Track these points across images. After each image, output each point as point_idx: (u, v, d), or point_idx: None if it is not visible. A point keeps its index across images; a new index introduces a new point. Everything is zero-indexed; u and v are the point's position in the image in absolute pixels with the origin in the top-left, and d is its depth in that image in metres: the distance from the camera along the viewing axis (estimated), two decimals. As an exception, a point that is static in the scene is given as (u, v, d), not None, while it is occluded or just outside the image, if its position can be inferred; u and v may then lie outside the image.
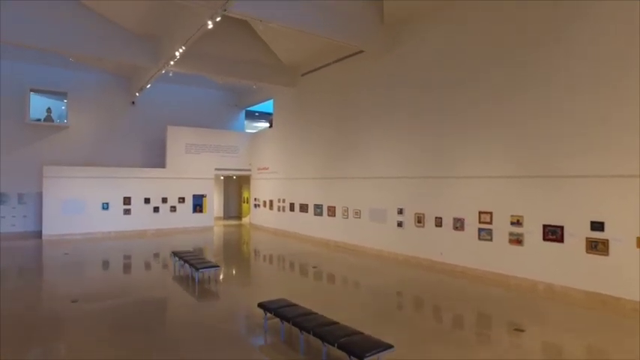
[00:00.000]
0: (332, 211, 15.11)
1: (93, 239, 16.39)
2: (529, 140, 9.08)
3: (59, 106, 18.04)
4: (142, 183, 18.22)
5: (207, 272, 9.59)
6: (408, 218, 11.95)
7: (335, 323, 5.59)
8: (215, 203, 21.81)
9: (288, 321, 5.84)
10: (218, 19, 9.98)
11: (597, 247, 7.87)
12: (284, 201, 18.27)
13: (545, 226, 8.72)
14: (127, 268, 12.16)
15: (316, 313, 6.00)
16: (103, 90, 18.71)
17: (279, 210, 18.67)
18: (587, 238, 8.03)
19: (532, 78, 9.04)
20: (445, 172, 10.95)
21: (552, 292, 8.50)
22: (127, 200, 17.80)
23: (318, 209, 15.84)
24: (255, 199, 21.10)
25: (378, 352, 4.73)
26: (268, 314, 6.34)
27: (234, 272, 11.58)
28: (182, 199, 19.18)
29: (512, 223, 9.33)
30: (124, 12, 12.85)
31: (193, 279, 9.53)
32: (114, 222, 17.45)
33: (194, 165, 19.56)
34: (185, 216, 19.20)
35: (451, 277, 10.12)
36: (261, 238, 17.89)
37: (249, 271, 12.15)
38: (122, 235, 17.40)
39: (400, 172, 12.29)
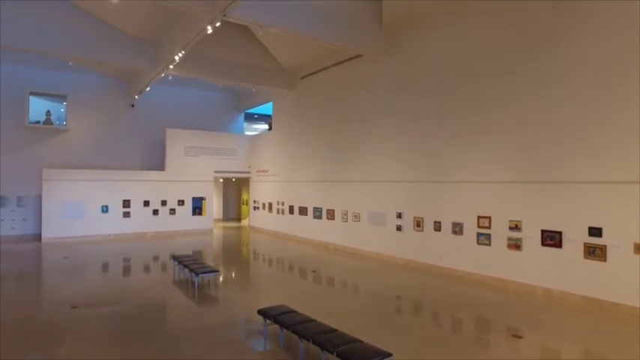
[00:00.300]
0: (331, 214, 15.14)
1: (92, 242, 16.40)
2: (528, 146, 9.12)
3: (58, 109, 18.05)
4: (141, 186, 18.23)
5: (207, 277, 9.61)
6: (407, 222, 11.98)
7: (334, 330, 5.62)
8: (214, 205, 21.82)
9: (287, 328, 5.87)
10: (218, 24, 10.02)
11: (595, 252, 7.91)
12: (283, 204, 18.30)
13: (543, 232, 8.76)
14: (126, 272, 12.18)
15: (315, 320, 6.02)
16: (102, 93, 18.73)
17: (278, 213, 18.70)
18: (585, 244, 8.07)
19: (532, 83, 9.08)
20: (444, 177, 10.99)
21: (550, 297, 8.54)
22: (126, 203, 17.81)
23: (318, 212, 15.87)
24: (255, 201, 21.13)
25: (377, 360, 4.76)
26: (268, 321, 6.36)
27: (233, 276, 11.60)
28: (181, 202, 19.19)
29: (510, 228, 9.37)
30: (124, 16, 12.88)
31: (193, 283, 9.55)
32: (113, 225, 17.46)
33: (193, 167, 19.57)
34: (184, 219, 19.22)
35: (450, 281, 10.16)
36: (260, 240, 17.92)
37: (248, 274, 12.18)
38: (122, 237, 17.41)
39: (399, 176, 12.32)
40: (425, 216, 11.45)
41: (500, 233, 9.58)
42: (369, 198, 13.43)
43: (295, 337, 5.78)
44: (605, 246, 7.79)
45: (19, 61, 16.46)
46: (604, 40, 7.91)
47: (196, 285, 9.43)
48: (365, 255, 13.41)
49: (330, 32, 11.52)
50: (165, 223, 18.69)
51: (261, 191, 20.49)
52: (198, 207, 19.71)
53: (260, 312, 6.51)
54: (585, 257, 8.06)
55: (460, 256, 10.47)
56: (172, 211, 18.96)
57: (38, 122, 17.30)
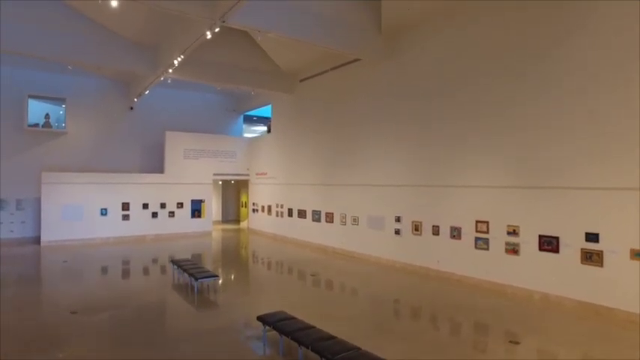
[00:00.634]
0: (330, 218, 15.19)
1: (92, 245, 16.42)
2: (526, 151, 9.18)
3: (57, 111, 18.05)
4: (140, 188, 18.26)
5: (207, 282, 9.65)
6: (406, 226, 12.04)
7: (333, 337, 5.67)
8: (213, 207, 21.84)
9: (287, 335, 5.91)
10: (217, 29, 10.06)
11: (592, 258, 7.98)
12: (282, 206, 18.34)
13: (541, 237, 8.82)
14: (126, 276, 12.22)
15: (314, 327, 6.07)
16: (101, 95, 18.74)
17: (277, 215, 18.74)
18: (582, 249, 8.14)
19: (531, 88, 9.13)
20: (442, 181, 11.04)
21: (548, 301, 8.61)
22: (125, 206, 17.83)
23: (317, 215, 15.92)
24: (254, 203, 21.16)
25: (376, 368, 4.81)
26: (267, 327, 6.41)
27: (233, 281, 11.65)
28: (180, 205, 19.22)
29: (508, 233, 9.43)
30: (123, 21, 12.90)
31: (192, 288, 9.59)
32: (112, 228, 17.49)
33: (192, 170, 19.60)
34: (184, 221, 19.25)
35: (448, 285, 10.22)
36: (259, 243, 17.97)
37: (247, 278, 12.22)
38: (121, 240, 17.44)
39: (398, 180, 12.38)
40: (423, 220, 11.51)
41: (498, 238, 9.64)
42: (368, 202, 13.48)
43: (294, 343, 5.83)
44: (601, 251, 7.86)
45: (18, 64, 16.45)
46: (603, 45, 7.95)
47: (196, 289, 9.47)
48: (364, 258, 13.47)
49: (329, 37, 11.58)
50: (164, 226, 18.72)
51: (260, 194, 20.53)
52: (197, 209, 19.74)
53: (259, 318, 6.56)
54: (582, 262, 8.13)
55: (458, 260, 10.53)
56: (171, 214, 18.99)
57: (37, 125, 17.31)
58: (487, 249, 9.86)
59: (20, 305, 8.62)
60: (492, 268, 9.74)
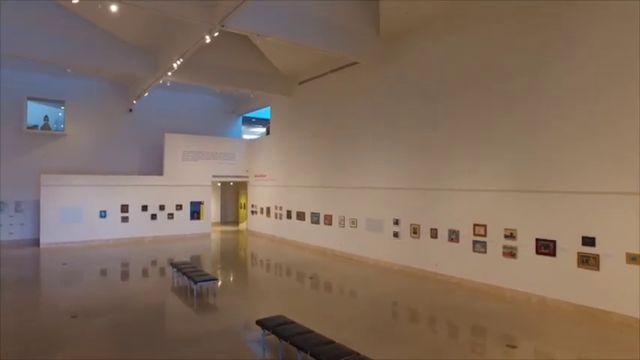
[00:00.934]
0: (329, 220, 15.24)
1: (91, 247, 16.44)
2: (524, 155, 9.24)
3: (56, 113, 18.07)
4: (139, 190, 18.28)
5: (206, 285, 9.69)
6: (404, 229, 12.10)
7: (332, 342, 5.72)
8: (212, 208, 21.87)
9: (286, 340, 5.96)
10: (216, 34, 10.11)
11: (588, 261, 8.04)
12: (281, 208, 18.39)
13: (538, 240, 8.89)
14: (125, 278, 12.26)
15: (313, 332, 6.12)
16: (100, 98, 18.77)
17: (276, 217, 18.79)
18: (578, 253, 8.20)
19: (529, 93, 9.18)
20: (441, 184, 11.11)
21: (545, 304, 8.67)
22: (124, 208, 17.86)
23: (315, 217, 15.97)
24: (253, 205, 21.21)
25: (374, 373, 4.86)
26: (266, 331, 6.46)
27: (232, 283, 11.69)
28: (179, 207, 19.26)
29: (506, 236, 9.50)
30: (123, 24, 12.93)
31: (192, 291, 9.63)
32: (112, 230, 17.51)
33: (191, 172, 19.64)
34: (183, 223, 19.28)
35: (447, 288, 10.28)
36: (258, 245, 18.01)
37: (246, 281, 12.26)
38: (120, 242, 17.46)
39: (396, 183, 12.44)
40: (421, 223, 11.57)
41: (495, 241, 9.71)
42: (366, 204, 13.54)
43: (294, 348, 5.88)
44: (598, 255, 7.93)
45: (17, 67, 16.47)
46: (603, 49, 7.99)
47: (195, 293, 9.51)
48: (362, 261, 13.52)
49: (328, 41, 11.63)
50: (163, 228, 18.75)
51: (259, 196, 20.57)
52: (196, 211, 19.77)
53: (259, 322, 6.60)
54: (579, 266, 8.20)
55: (456, 263, 10.59)
56: (170, 216, 19.02)
57: (36, 126, 17.32)
58: (485, 252, 9.93)
59: (20, 308, 8.65)
60: (490, 271, 9.80)
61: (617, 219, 7.71)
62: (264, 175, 19.89)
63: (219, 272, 12.65)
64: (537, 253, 8.88)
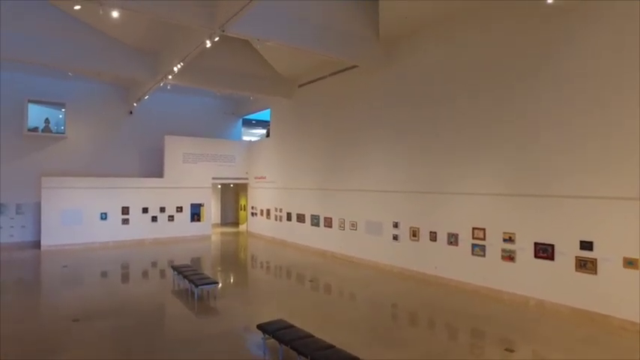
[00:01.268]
0: (329, 222, 15.30)
1: (91, 249, 16.50)
2: (523, 159, 9.30)
3: (57, 115, 18.12)
4: (139, 193, 18.34)
5: (207, 288, 9.74)
6: (404, 232, 12.16)
7: (332, 347, 5.78)
8: (212, 210, 21.92)
9: (286, 344, 6.03)
10: (216, 39, 10.17)
11: (586, 265, 8.11)
12: (281, 210, 18.44)
13: (536, 244, 8.95)
14: (126, 281, 12.32)
15: (313, 336, 6.18)
16: (100, 100, 18.83)
17: (276, 219, 18.85)
18: (576, 257, 8.27)
19: (529, 96, 9.22)
20: (440, 188, 11.16)
21: (543, 308, 8.73)
22: (125, 210, 17.91)
23: (315, 220, 16.03)
24: (253, 207, 21.27)
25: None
26: (267, 335, 6.52)
27: (232, 286, 11.75)
28: (180, 209, 19.31)
29: (504, 240, 9.56)
30: (123, 28, 12.98)
31: (192, 294, 9.69)
32: (112, 232, 17.56)
33: (192, 174, 19.69)
34: (183, 225, 19.34)
35: (446, 290, 10.33)
36: (258, 247, 18.07)
37: (247, 283, 12.32)
38: (120, 244, 17.51)
39: (395, 187, 12.50)
40: (421, 226, 11.63)
41: (494, 245, 9.77)
42: (366, 207, 13.60)
43: (294, 352, 5.94)
44: (595, 259, 7.99)
45: (18, 69, 16.54)
46: (603, 52, 8.04)
47: (196, 296, 9.57)
48: (362, 263, 13.58)
49: (328, 45, 11.68)
50: (163, 230, 18.80)
51: (259, 197, 20.63)
52: (196, 213, 19.83)
53: (259, 327, 6.67)
54: (577, 270, 8.26)
55: (455, 266, 10.65)
56: (171, 218, 19.08)
57: (37, 129, 17.38)
58: (484, 255, 9.99)
59: (23, 311, 8.72)
60: (489, 274, 9.87)
61: (614, 223, 7.78)
62: (264, 178, 19.94)
63: (219, 274, 12.71)
64: (536, 256, 8.95)
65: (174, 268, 11.06)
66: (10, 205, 16.83)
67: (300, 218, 16.96)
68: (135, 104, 18.56)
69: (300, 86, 17.14)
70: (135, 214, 18.13)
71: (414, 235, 11.80)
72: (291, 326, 6.61)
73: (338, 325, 7.89)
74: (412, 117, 12.05)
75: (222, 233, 22.01)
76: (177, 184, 19.26)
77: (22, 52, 12.27)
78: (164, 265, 13.78)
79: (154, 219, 18.63)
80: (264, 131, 23.78)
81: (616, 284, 7.72)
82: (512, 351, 6.66)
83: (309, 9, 11.20)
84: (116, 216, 17.72)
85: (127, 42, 13.79)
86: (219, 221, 24.73)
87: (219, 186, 23.65)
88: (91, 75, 16.97)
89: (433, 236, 11.23)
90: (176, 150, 19.41)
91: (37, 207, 16.70)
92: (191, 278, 9.77)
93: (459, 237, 10.55)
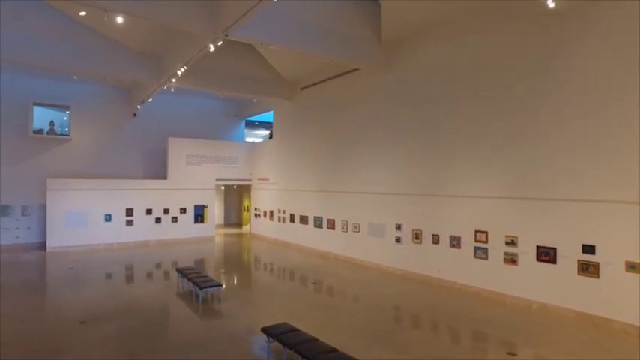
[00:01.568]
0: (332, 224, 15.36)
1: (96, 251, 16.63)
2: (525, 163, 9.34)
3: (61, 117, 18.28)
4: (143, 194, 18.46)
5: (211, 291, 9.83)
6: (406, 234, 12.21)
7: (335, 350, 5.85)
8: (216, 211, 22.03)
9: (290, 347, 6.09)
10: (220, 43, 10.25)
11: (588, 269, 8.14)
12: (284, 212, 18.52)
13: (538, 247, 8.99)
14: (131, 283, 12.43)
15: (317, 340, 6.24)
16: (105, 102, 18.95)
17: (279, 221, 18.93)
18: (578, 261, 8.30)
19: (530, 99, 9.26)
20: (442, 191, 11.21)
21: (546, 311, 8.77)
22: (129, 212, 18.03)
23: (318, 221, 16.09)
24: (256, 209, 21.36)
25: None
26: (271, 338, 6.59)
27: (236, 288, 11.83)
28: (183, 210, 19.42)
29: (507, 243, 9.60)
30: (126, 32, 13.06)
31: (197, 296, 9.76)
32: (116, 233, 17.69)
33: (195, 176, 19.80)
34: (187, 227, 19.44)
35: (448, 293, 10.38)
36: (261, 248, 18.15)
37: (250, 285, 12.40)
38: (125, 246, 17.63)
39: (398, 189, 12.55)
40: (423, 229, 11.68)
41: (497, 248, 9.81)
42: (369, 209, 13.65)
43: (298, 356, 6.00)
44: (597, 263, 8.02)
45: (22, 72, 16.65)
46: (603, 55, 8.07)
47: (200, 298, 9.64)
48: (365, 265, 13.64)
49: (330, 48, 11.76)
50: (167, 232, 18.92)
51: (262, 199, 20.72)
52: (200, 215, 19.93)
53: (263, 330, 6.73)
54: (579, 274, 8.29)
55: (458, 269, 10.69)
56: (174, 220, 19.19)
57: (42, 130, 17.51)
58: (486, 258, 10.03)
59: (29, 313, 8.82)
60: (491, 277, 9.90)
61: (616, 227, 7.81)
62: (268, 179, 20.03)
63: (223, 276, 12.80)
64: (538, 259, 8.98)
65: (179, 270, 11.15)
66: (16, 207, 16.98)
67: (303, 220, 17.03)
68: (139, 106, 18.67)
69: (302, 89, 17.21)
70: (139, 215, 18.25)
71: (417, 238, 11.85)
72: (295, 329, 6.67)
73: (341, 327, 7.96)
74: (413, 119, 12.10)
75: (225, 235, 22.11)
76: (180, 185, 19.37)
77: (23, 54, 12.33)
78: (168, 267, 13.88)
79: (158, 220, 18.75)
80: (267, 132, 23.86)
81: (618, 288, 7.74)
82: (514, 354, 6.71)
83: (311, 13, 11.28)
84: (120, 217, 17.85)
85: (129, 45, 13.89)
86: (222, 222, 24.85)
87: (223, 187, 23.75)
88: (96, 78, 17.07)
89: (436, 239, 11.28)
90: (180, 152, 19.52)
91: (43, 209, 16.85)
92: (195, 281, 9.85)
93: (462, 240, 10.59)
